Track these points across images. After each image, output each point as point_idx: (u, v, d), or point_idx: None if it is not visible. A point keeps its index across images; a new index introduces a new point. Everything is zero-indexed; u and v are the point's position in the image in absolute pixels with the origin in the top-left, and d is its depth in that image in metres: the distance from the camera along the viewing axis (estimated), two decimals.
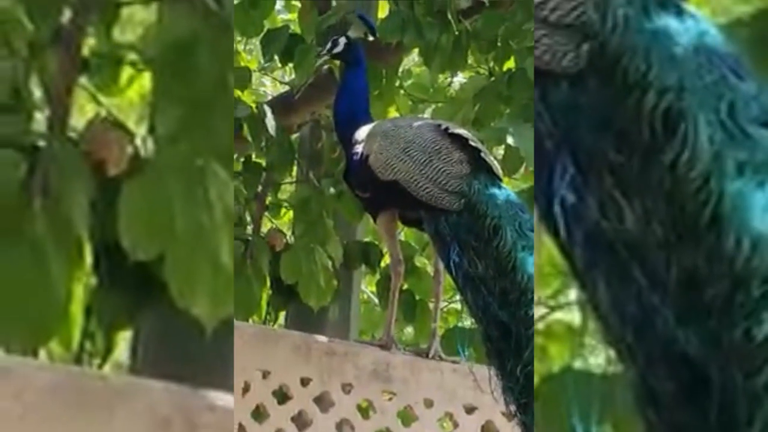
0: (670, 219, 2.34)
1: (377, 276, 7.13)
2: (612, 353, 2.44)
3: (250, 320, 6.75)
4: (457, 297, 8.20)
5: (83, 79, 3.34)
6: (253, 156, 6.90)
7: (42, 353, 3.21)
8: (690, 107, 2.36)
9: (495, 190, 4.68)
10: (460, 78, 8.17)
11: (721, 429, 2.26)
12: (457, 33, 6.41)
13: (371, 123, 4.99)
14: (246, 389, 5.04)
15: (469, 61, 6.98)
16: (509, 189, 4.86)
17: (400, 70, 7.35)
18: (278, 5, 8.10)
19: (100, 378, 3.01)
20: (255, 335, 5.11)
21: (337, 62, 5.77)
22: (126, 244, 3.18)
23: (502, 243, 4.49)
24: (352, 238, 7.19)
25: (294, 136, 7.19)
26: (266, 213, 7.32)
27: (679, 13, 2.48)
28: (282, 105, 6.89)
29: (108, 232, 3.21)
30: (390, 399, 5.22)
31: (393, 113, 7.30)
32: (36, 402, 2.77)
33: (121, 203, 3.19)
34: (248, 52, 9.02)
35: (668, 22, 2.46)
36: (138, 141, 3.33)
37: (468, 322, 6.63)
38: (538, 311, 3.37)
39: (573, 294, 2.83)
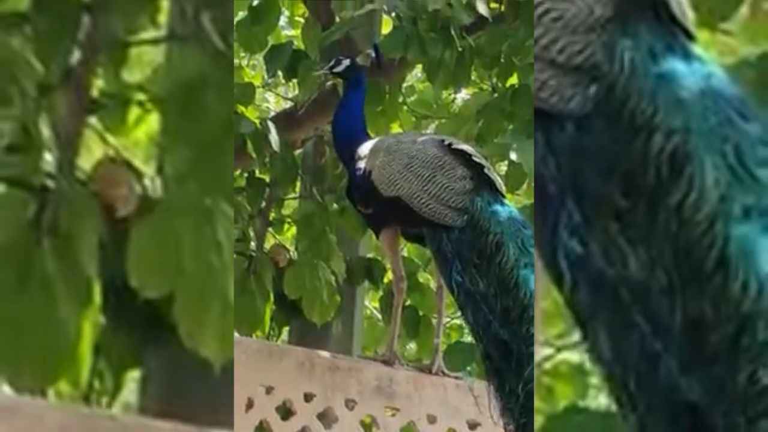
0: (676, 263, 2.32)
1: (380, 292, 7.14)
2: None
3: (254, 336, 6.76)
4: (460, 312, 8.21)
5: (92, 119, 3.35)
6: (257, 171, 6.90)
7: (51, 392, 3.23)
8: (696, 150, 2.36)
9: (498, 207, 4.69)
10: (463, 94, 8.18)
11: None
12: (460, 49, 6.40)
13: (371, 140, 5.01)
14: (249, 405, 5.04)
15: (473, 77, 6.97)
16: (512, 205, 4.87)
17: (404, 86, 7.36)
18: (282, 21, 8.10)
19: (109, 418, 3.04)
20: (258, 351, 5.12)
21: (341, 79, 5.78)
22: (134, 284, 3.20)
23: (505, 259, 4.50)
24: (355, 254, 7.20)
25: (297, 152, 7.20)
26: (269, 229, 7.34)
27: (686, 55, 2.48)
28: (285, 121, 6.90)
29: (117, 271, 3.22)
30: (393, 415, 5.23)
31: (396, 129, 7.29)
32: None
33: (130, 243, 3.21)
34: (252, 67, 9.01)
35: (675, 64, 2.45)
36: (146, 181, 3.34)
37: (471, 337, 6.64)
38: (545, 351, 3.39)
39: (578, 335, 2.84)
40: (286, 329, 7.35)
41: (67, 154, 3.27)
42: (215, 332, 3.18)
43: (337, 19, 6.73)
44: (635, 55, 2.45)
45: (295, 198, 7.51)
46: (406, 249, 7.75)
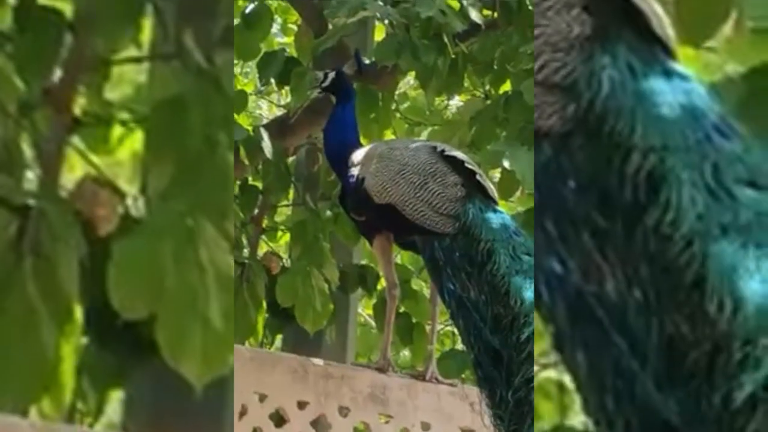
0: (653, 282, 2.32)
1: (374, 299, 7.13)
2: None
3: (247, 343, 6.75)
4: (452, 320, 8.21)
5: (74, 138, 3.34)
6: (250, 179, 6.90)
7: (33, 413, 3.21)
8: (674, 168, 2.35)
9: (490, 214, 4.69)
10: (456, 101, 8.17)
11: None
12: (453, 56, 6.39)
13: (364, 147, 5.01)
14: (243, 413, 5.05)
15: (466, 84, 6.98)
16: (505, 212, 4.86)
17: (397, 93, 7.35)
18: (274, 28, 8.09)
19: None
20: (252, 358, 5.12)
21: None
22: (116, 304, 3.17)
23: (496, 267, 4.51)
24: (348, 261, 7.19)
25: (290, 159, 7.19)
26: (262, 236, 7.33)
27: (666, 72, 2.48)
28: (278, 128, 6.89)
29: (98, 291, 3.21)
30: (387, 422, 5.23)
31: (389, 136, 7.29)
32: None
33: (112, 263, 3.19)
34: (244, 75, 9.01)
35: (654, 82, 2.45)
36: (129, 200, 3.33)
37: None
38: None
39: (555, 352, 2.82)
40: (279, 337, 7.34)
41: (49, 173, 3.26)
42: (197, 352, 3.16)
43: (330, 27, 6.71)
44: (614, 73, 2.45)
45: (288, 205, 7.50)
46: (400, 256, 7.75)
